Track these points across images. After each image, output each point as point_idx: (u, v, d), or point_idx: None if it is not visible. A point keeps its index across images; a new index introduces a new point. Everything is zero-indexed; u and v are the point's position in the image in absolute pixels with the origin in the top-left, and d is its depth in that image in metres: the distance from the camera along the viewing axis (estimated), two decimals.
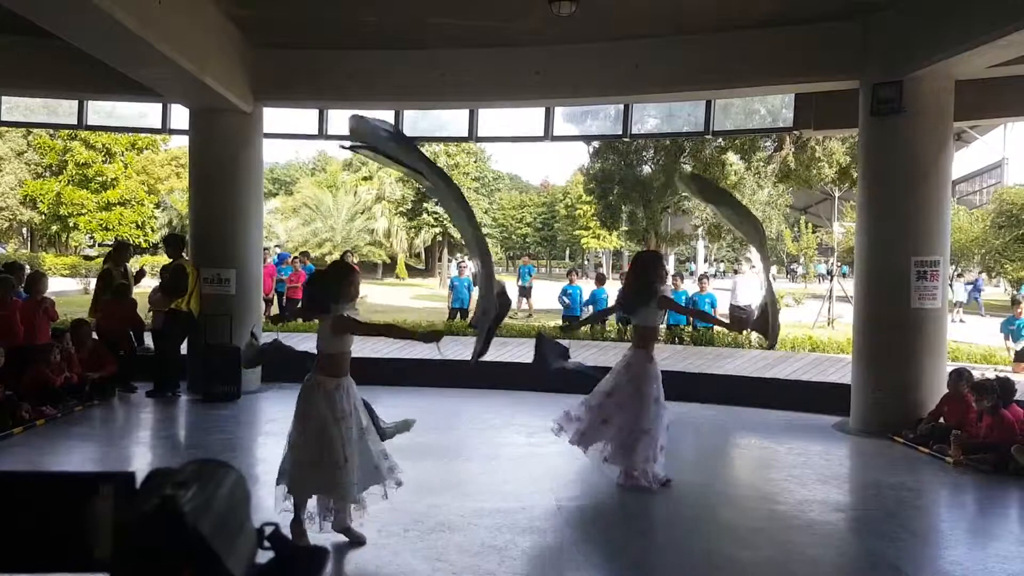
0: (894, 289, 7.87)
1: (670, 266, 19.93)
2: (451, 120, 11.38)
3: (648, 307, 6.02)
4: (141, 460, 6.84)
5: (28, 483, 1.07)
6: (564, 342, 6.40)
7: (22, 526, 1.04)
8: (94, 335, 9.24)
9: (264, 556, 1.12)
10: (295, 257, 17.57)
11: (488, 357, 10.47)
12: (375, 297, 23.99)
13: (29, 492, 1.06)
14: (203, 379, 9.11)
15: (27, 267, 11.59)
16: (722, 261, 50.73)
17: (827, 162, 17.96)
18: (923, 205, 7.86)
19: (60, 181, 38.89)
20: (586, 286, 15.09)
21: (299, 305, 4.72)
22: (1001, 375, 7.66)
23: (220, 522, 0.94)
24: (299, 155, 69.50)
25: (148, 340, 10.14)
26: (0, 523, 1.04)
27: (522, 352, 10.88)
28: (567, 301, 14.16)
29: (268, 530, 1.11)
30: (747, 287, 13.90)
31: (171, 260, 9.54)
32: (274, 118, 10.44)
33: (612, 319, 11.77)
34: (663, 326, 12.24)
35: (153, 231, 40.54)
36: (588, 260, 56.64)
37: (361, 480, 4.50)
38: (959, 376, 7.41)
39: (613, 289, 10.74)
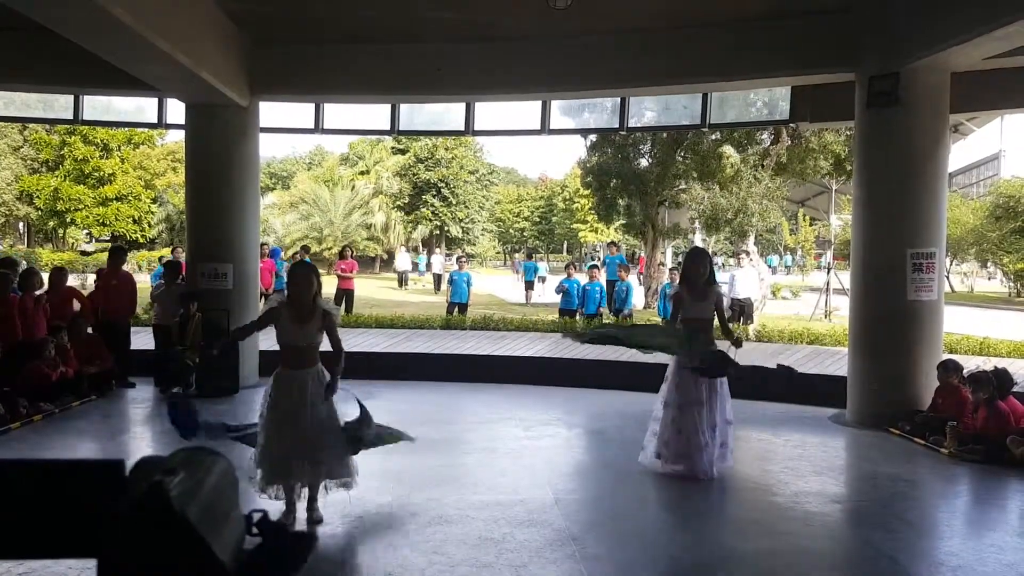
0: (890, 281, 7.88)
1: (667, 260, 19.92)
2: (447, 114, 11.35)
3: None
4: (137, 456, 6.83)
5: (18, 470, 1.08)
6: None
7: (12, 513, 1.05)
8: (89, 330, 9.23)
9: (253, 542, 1.13)
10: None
11: (485, 351, 10.62)
12: (372, 292, 23.96)
13: (18, 479, 1.06)
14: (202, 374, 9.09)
15: (23, 263, 11.56)
16: (719, 254, 50.72)
17: (822, 154, 17.86)
18: (919, 197, 7.86)
19: (57, 176, 38.78)
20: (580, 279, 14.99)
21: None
22: (999, 367, 7.66)
23: (207, 507, 0.95)
24: (296, 149, 69.39)
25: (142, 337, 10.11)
26: None
27: (519, 346, 10.92)
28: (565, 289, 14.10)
29: (256, 516, 1.12)
30: (745, 280, 13.87)
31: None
32: (271, 112, 10.42)
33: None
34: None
35: (150, 226, 40.49)
36: (586, 254, 56.64)
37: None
38: (946, 368, 7.43)
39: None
